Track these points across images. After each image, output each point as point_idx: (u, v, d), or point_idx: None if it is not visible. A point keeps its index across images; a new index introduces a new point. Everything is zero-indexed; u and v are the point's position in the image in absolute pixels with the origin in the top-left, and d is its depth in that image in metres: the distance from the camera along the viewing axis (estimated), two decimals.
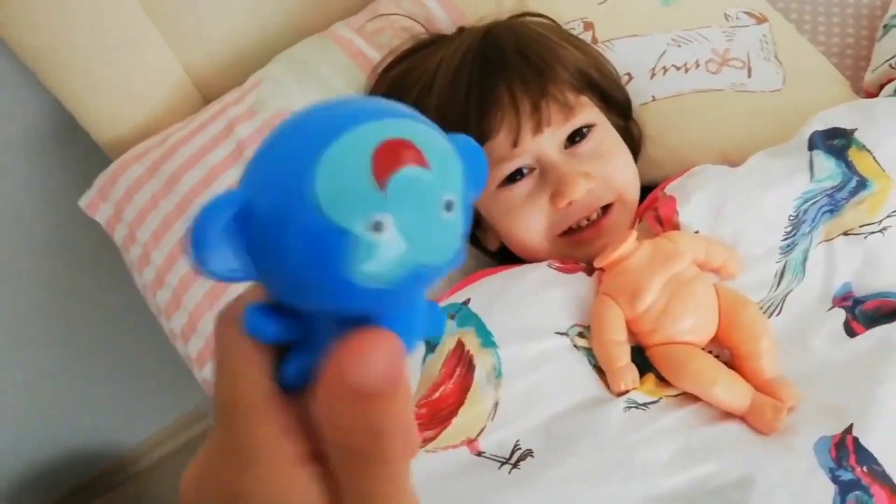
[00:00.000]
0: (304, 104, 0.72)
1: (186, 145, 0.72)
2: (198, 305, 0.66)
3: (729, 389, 0.48)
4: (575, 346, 0.52)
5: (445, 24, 0.74)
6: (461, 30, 0.68)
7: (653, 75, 0.70)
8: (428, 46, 0.68)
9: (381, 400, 0.19)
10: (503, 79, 0.59)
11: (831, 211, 0.56)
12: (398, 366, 0.19)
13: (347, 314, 0.20)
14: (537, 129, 0.58)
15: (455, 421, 0.49)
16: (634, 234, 0.53)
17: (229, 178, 0.68)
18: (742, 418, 0.49)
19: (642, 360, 0.52)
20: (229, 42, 0.80)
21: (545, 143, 0.59)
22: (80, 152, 0.86)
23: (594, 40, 0.72)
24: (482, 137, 0.59)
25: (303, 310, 0.21)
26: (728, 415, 0.49)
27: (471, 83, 0.60)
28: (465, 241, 0.63)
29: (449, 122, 0.61)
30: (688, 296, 0.51)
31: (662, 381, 0.51)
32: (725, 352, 0.52)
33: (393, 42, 0.72)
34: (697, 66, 0.70)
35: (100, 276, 1.02)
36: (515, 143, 0.59)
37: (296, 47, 0.76)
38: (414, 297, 0.21)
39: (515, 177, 0.60)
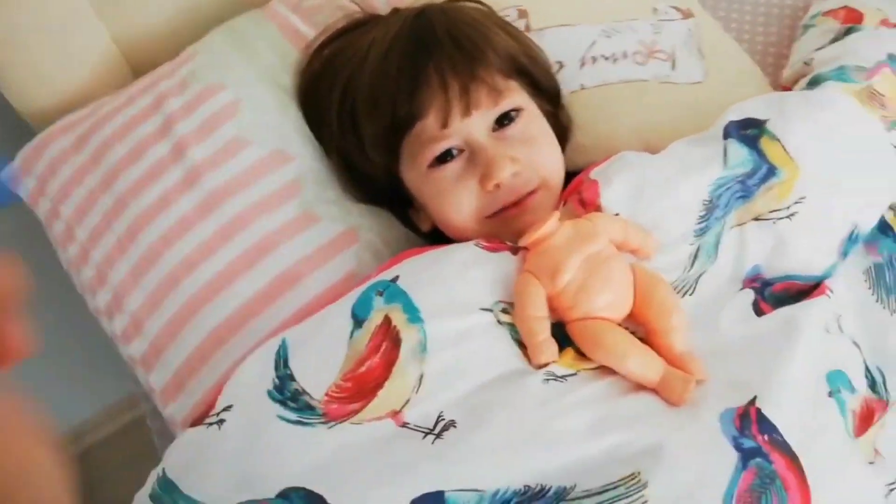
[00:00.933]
0: (237, 79, 0.71)
1: (115, 118, 0.70)
2: (122, 281, 0.65)
3: (641, 363, 0.51)
4: (499, 321, 0.54)
5: (381, 4, 0.74)
6: (395, 10, 0.69)
7: (582, 64, 0.72)
8: (362, 26, 0.69)
9: None
10: (433, 60, 0.60)
11: (743, 197, 0.59)
12: None
13: None
14: (466, 111, 0.60)
15: (380, 394, 0.50)
16: (557, 214, 0.55)
17: (158, 152, 0.67)
18: (654, 391, 0.51)
19: (562, 335, 0.54)
20: (163, 14, 0.78)
21: (474, 126, 0.60)
22: (4, 125, 0.82)
23: (528, 28, 0.74)
24: (412, 117, 0.60)
25: None
26: (641, 387, 0.52)
27: (402, 63, 0.60)
28: (395, 220, 0.63)
29: (379, 101, 0.62)
30: (605, 273, 0.53)
31: (581, 355, 0.53)
32: (640, 329, 0.55)
33: (328, 21, 0.72)
34: (625, 56, 0.72)
35: (34, 252, 0.98)
36: (445, 125, 0.60)
37: (231, 21, 0.75)
38: None
39: (445, 158, 0.61)
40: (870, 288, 0.63)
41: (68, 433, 1.24)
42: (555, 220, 0.55)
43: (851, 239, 0.62)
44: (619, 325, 0.54)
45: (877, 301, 0.63)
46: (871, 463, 0.54)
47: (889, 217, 0.66)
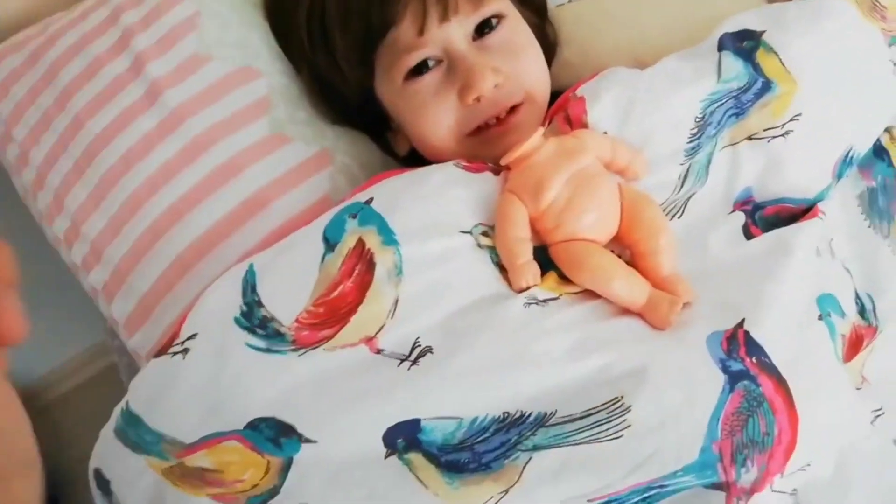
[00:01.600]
0: (216, 14, 0.64)
1: (67, 34, 0.65)
2: (81, 206, 0.61)
3: (626, 285, 0.49)
4: (478, 244, 0.51)
5: None
6: None
7: None
8: None
9: None
10: None
11: (737, 114, 0.56)
12: None
13: None
14: (444, 16, 0.55)
15: (353, 319, 0.48)
16: (541, 130, 0.52)
17: (115, 69, 0.62)
18: (639, 314, 0.49)
19: (545, 259, 0.51)
20: None
21: (452, 32, 0.56)
22: None
23: None
24: (385, 24, 0.56)
25: None
26: (626, 311, 0.50)
27: None
28: (372, 142, 0.59)
29: (351, 9, 0.57)
30: (590, 191, 0.50)
31: (564, 279, 0.51)
32: (626, 252, 0.52)
33: None
34: None
35: None
36: (421, 32, 0.56)
37: None
38: None
39: (422, 69, 0.57)
40: (863, 213, 0.61)
41: (37, 383, 1.21)
42: (538, 136, 0.51)
43: (846, 161, 0.60)
44: (605, 248, 0.52)
45: (869, 226, 0.61)
46: (857, 388, 0.53)
47: (885, 140, 0.64)
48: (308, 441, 0.46)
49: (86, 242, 0.61)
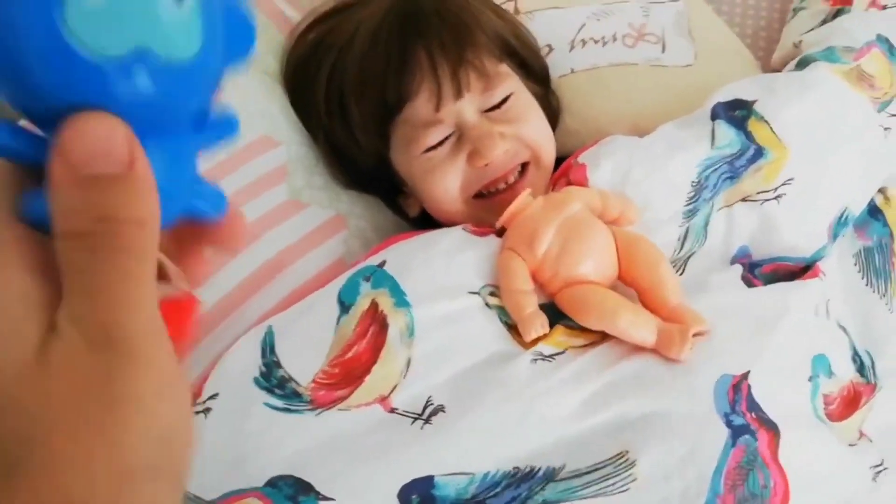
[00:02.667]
0: (240, 86, 0.68)
1: None
2: None
3: (633, 320, 0.50)
4: (487, 304, 0.53)
5: None
6: None
7: (572, 48, 0.72)
8: (347, 8, 0.68)
9: (109, 183, 0.18)
10: (422, 41, 0.59)
11: (731, 178, 0.59)
12: (124, 148, 0.19)
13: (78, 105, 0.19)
14: (458, 94, 0.59)
15: (368, 379, 0.50)
16: (528, 190, 0.55)
17: None
18: (652, 350, 0.50)
19: (552, 313, 0.53)
20: None
21: (464, 108, 0.60)
22: None
23: (516, 11, 0.73)
24: (401, 100, 0.59)
25: (45, 123, 0.19)
26: (638, 349, 0.50)
27: (389, 45, 0.60)
28: (384, 206, 0.63)
29: (367, 84, 0.61)
30: (582, 235, 0.53)
31: (571, 331, 0.53)
32: (631, 292, 0.54)
33: (314, 3, 0.71)
34: (615, 39, 0.72)
35: None
36: (438, 108, 0.59)
37: None
38: (160, 110, 0.20)
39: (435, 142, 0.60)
40: (860, 272, 0.63)
41: None
42: (526, 195, 0.55)
43: (841, 221, 0.62)
44: (609, 289, 0.54)
45: (867, 285, 0.63)
46: (851, 445, 0.54)
47: (879, 200, 0.66)
48: (325, 499, 0.47)
49: None
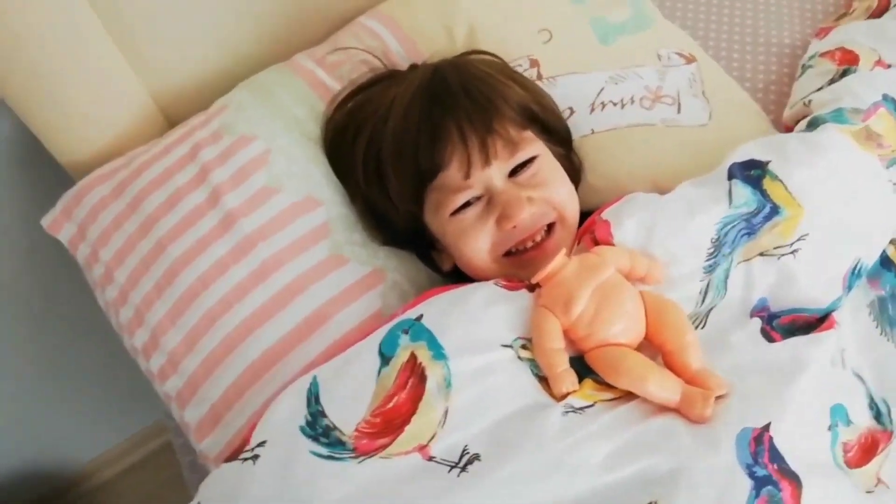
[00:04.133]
0: (267, 130, 0.75)
1: (151, 167, 0.75)
2: (160, 321, 0.68)
3: (660, 383, 0.53)
4: (519, 357, 0.57)
5: (401, 56, 0.79)
6: (413, 67, 0.73)
7: (592, 110, 0.76)
8: (383, 81, 0.73)
9: None
10: (451, 115, 0.64)
11: (748, 234, 0.62)
12: None
13: None
14: (486, 162, 0.64)
15: (408, 429, 0.53)
16: (563, 250, 0.59)
17: (194, 200, 0.71)
18: (676, 410, 0.53)
19: (581, 367, 0.56)
20: (195, 70, 0.83)
21: (493, 174, 0.64)
22: (47, 173, 0.87)
23: (539, 76, 0.78)
24: (434, 169, 0.64)
25: None
26: (662, 409, 0.54)
27: (421, 119, 0.65)
28: (419, 261, 0.67)
29: (403, 154, 0.66)
30: (616, 300, 0.56)
31: (600, 385, 0.56)
32: (656, 352, 0.57)
33: (352, 74, 0.76)
34: (632, 101, 0.76)
35: (59, 294, 1.03)
36: (467, 175, 0.64)
37: (260, 75, 0.80)
38: None
39: (465, 204, 0.65)
40: (874, 321, 0.66)
41: (94, 463, 1.25)
42: (562, 256, 0.58)
43: (855, 273, 0.65)
44: (637, 350, 0.57)
45: (881, 334, 0.65)
46: (869, 492, 0.56)
47: (890, 251, 0.69)
48: None
49: (163, 354, 0.68)
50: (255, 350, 0.64)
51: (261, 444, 0.55)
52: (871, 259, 0.66)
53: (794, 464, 0.50)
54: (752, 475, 0.49)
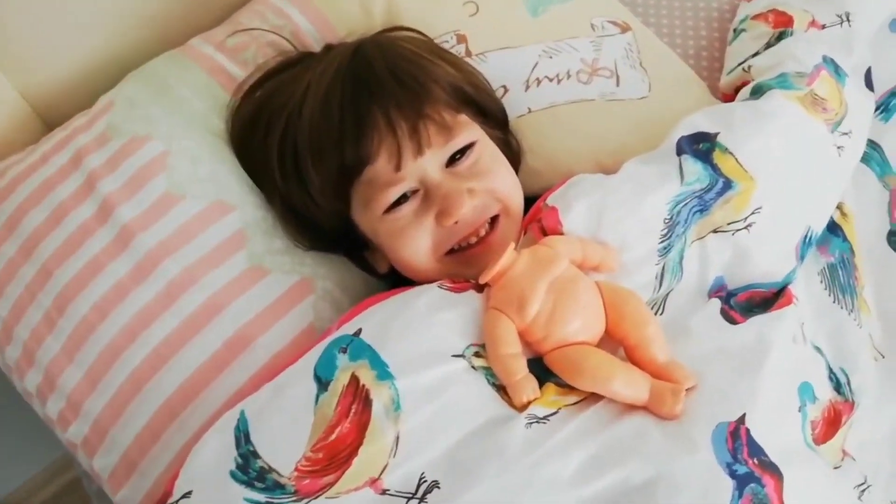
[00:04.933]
0: (162, 128, 0.66)
1: (28, 179, 0.65)
2: (54, 359, 0.59)
3: (627, 381, 0.50)
4: (472, 366, 0.51)
5: (313, 37, 0.71)
6: (329, 47, 0.66)
7: (527, 87, 0.71)
8: (295, 65, 0.65)
9: None
10: (377, 102, 0.57)
11: (701, 211, 0.59)
12: None
13: None
14: (418, 151, 0.57)
15: (355, 462, 0.47)
16: (512, 245, 0.54)
17: (81, 215, 0.61)
18: (644, 408, 0.50)
19: (540, 370, 0.52)
20: (73, 62, 0.73)
21: (427, 164, 0.58)
22: None
23: (468, 53, 0.72)
24: (361, 162, 0.57)
25: None
26: (631, 408, 0.50)
27: (343, 106, 0.58)
28: (351, 264, 0.60)
29: (324, 148, 0.58)
30: (572, 296, 0.52)
31: (562, 387, 0.51)
32: (618, 347, 0.53)
33: (258, 59, 0.68)
34: (569, 76, 0.71)
35: None
36: (398, 167, 0.57)
37: (150, 64, 0.70)
38: None
39: (400, 200, 0.58)
40: (826, 289, 0.64)
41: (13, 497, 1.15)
42: (511, 251, 0.53)
43: (807, 241, 0.63)
44: (597, 346, 0.53)
45: (834, 302, 0.64)
46: (836, 468, 0.54)
47: (836, 217, 0.68)
48: None
49: (62, 397, 0.59)
50: (169, 384, 0.56)
51: (185, 495, 0.48)
52: (820, 226, 0.65)
53: (772, 454, 0.47)
54: (732, 474, 0.46)
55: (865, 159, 0.72)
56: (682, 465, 0.46)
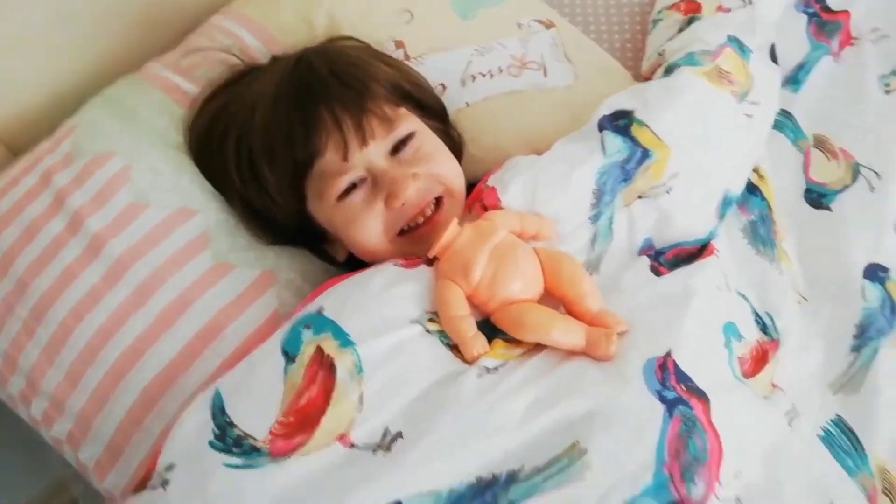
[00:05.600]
0: (124, 145, 0.70)
1: (0, 202, 0.68)
2: (35, 364, 0.62)
3: (565, 330, 0.55)
4: (427, 331, 0.56)
5: (260, 52, 0.76)
6: (275, 58, 0.71)
7: (463, 84, 0.76)
8: (244, 76, 0.70)
9: None
10: (322, 101, 0.62)
11: (625, 180, 0.65)
12: None
13: None
14: (363, 142, 0.62)
15: (324, 421, 0.51)
16: (455, 220, 0.59)
17: (53, 229, 0.65)
18: (583, 354, 0.54)
19: (489, 329, 0.56)
20: (36, 92, 0.77)
21: (372, 154, 0.63)
22: None
23: (406, 57, 0.78)
24: (310, 157, 0.62)
25: None
26: (570, 354, 0.55)
27: (291, 109, 0.62)
28: (312, 256, 0.64)
29: (276, 149, 0.63)
30: (511, 259, 0.57)
31: (509, 343, 0.56)
32: (560, 308, 0.58)
33: (209, 75, 0.73)
34: (500, 71, 0.77)
35: None
36: (345, 158, 0.62)
37: (109, 89, 0.74)
38: None
39: (350, 188, 0.63)
40: (749, 243, 0.71)
41: None
42: (454, 226, 0.58)
43: (726, 202, 0.69)
44: (539, 303, 0.57)
45: (756, 254, 0.70)
46: (766, 398, 0.59)
47: (754, 178, 0.74)
48: None
49: (44, 397, 0.62)
50: (147, 375, 0.60)
51: (169, 467, 0.51)
52: (738, 187, 0.71)
53: (699, 382, 0.52)
54: (662, 399, 0.51)
55: (779, 127, 0.79)
56: (617, 397, 0.51)
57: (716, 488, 0.49)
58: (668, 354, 0.53)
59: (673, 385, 0.52)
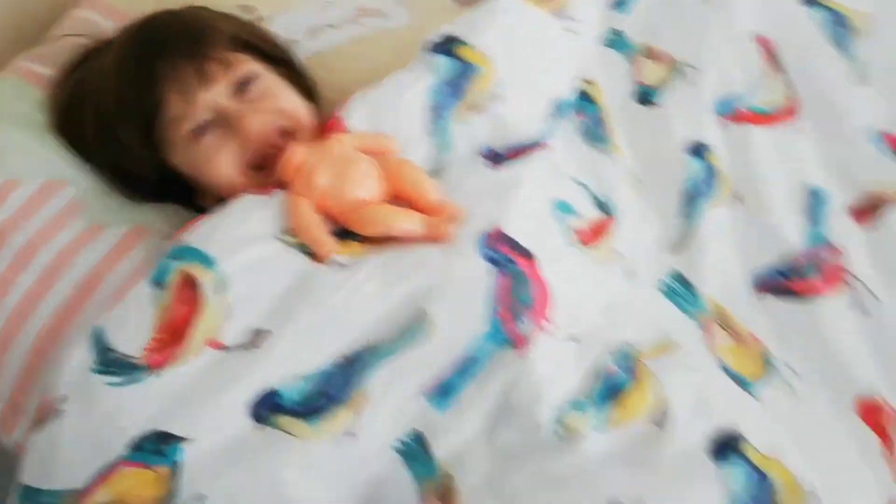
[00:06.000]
0: (14, 144, 0.72)
1: None
2: None
3: (407, 220, 0.61)
4: (286, 244, 0.61)
5: (111, 33, 0.80)
6: (122, 29, 0.76)
7: (314, 35, 0.83)
8: (98, 51, 0.75)
9: None
10: (163, 53, 0.67)
11: (456, 95, 0.71)
12: None
13: None
14: (203, 84, 0.67)
15: (192, 331, 0.56)
16: (294, 143, 0.65)
17: None
18: (426, 240, 0.60)
19: (342, 234, 0.62)
20: None
21: (216, 96, 0.68)
22: None
23: (259, 19, 0.83)
24: (155, 105, 0.67)
25: None
26: (415, 243, 0.60)
27: (136, 65, 0.68)
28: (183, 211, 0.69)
29: (126, 105, 0.68)
30: (353, 167, 0.63)
31: (360, 243, 0.62)
32: (404, 204, 0.64)
33: (63, 56, 0.77)
34: (346, 21, 0.84)
35: None
36: (189, 102, 0.67)
37: None
38: None
39: (202, 131, 0.68)
40: (585, 142, 0.79)
41: None
42: (297, 147, 0.64)
43: (560, 107, 0.77)
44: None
45: (591, 149, 0.78)
46: (606, 262, 0.67)
47: (586, 88, 0.82)
48: (186, 440, 0.53)
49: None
50: (35, 329, 0.64)
51: (62, 400, 0.55)
52: (568, 93, 0.79)
53: (526, 242, 0.59)
54: (491, 260, 0.58)
55: (611, 44, 0.87)
56: (454, 268, 0.58)
57: (543, 324, 0.57)
58: (497, 226, 0.60)
59: (499, 248, 0.59)
